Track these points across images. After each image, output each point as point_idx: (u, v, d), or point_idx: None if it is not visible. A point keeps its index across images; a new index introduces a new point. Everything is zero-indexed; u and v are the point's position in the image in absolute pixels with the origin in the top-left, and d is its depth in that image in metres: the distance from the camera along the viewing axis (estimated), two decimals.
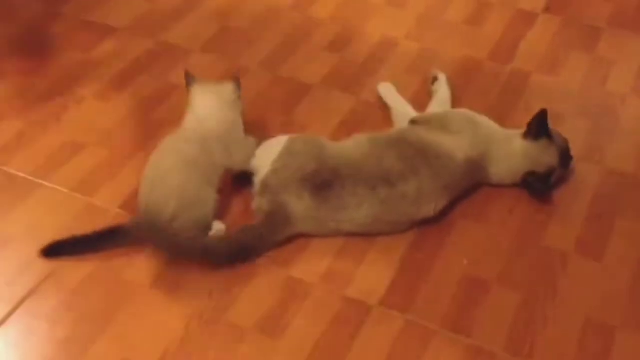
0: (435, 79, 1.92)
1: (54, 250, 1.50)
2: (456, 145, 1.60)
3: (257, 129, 1.73)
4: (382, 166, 1.54)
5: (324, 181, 1.51)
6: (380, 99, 1.90)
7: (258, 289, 1.48)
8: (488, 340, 1.40)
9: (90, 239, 1.50)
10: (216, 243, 1.51)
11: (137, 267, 1.50)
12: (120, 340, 1.40)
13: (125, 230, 1.50)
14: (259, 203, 1.55)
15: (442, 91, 1.86)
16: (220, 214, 1.58)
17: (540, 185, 1.63)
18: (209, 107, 1.63)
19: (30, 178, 1.70)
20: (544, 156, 1.63)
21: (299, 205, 1.51)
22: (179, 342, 1.39)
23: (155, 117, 1.86)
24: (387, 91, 1.89)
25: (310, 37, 2.12)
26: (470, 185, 1.65)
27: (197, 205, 1.51)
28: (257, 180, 1.57)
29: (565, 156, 1.67)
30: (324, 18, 2.19)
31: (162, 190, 1.50)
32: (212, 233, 1.55)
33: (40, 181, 1.69)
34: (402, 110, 1.81)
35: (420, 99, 1.86)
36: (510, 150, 1.64)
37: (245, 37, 2.12)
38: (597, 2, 2.26)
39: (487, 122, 1.71)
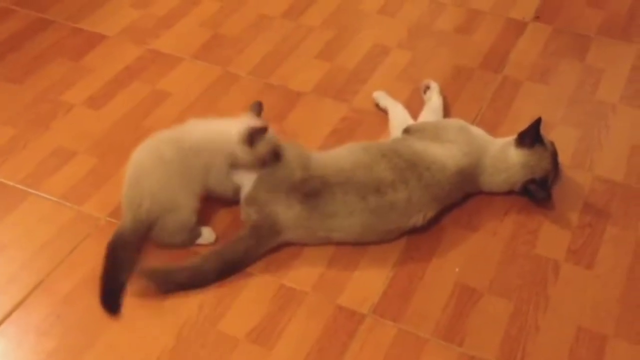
0: (427, 88, 1.92)
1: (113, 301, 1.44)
2: (448, 155, 1.60)
3: None
4: (373, 175, 1.54)
5: (312, 189, 1.51)
6: (373, 106, 1.90)
7: (250, 298, 1.47)
8: (480, 349, 1.40)
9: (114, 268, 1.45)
10: (205, 263, 1.48)
11: None
12: (110, 351, 1.39)
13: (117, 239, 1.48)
14: (246, 213, 1.54)
15: (433, 100, 1.87)
16: (210, 222, 1.58)
17: (542, 192, 1.64)
18: (204, 124, 1.57)
19: (19, 186, 1.69)
20: (541, 162, 1.64)
21: (289, 214, 1.51)
22: (170, 352, 1.38)
23: (146, 125, 1.85)
24: (384, 98, 1.89)
25: (301, 45, 2.12)
26: (461, 195, 1.65)
27: (172, 209, 1.48)
28: (244, 190, 1.56)
29: (555, 158, 1.68)
30: (316, 26, 2.19)
31: (137, 190, 1.48)
32: (200, 240, 1.54)
33: (30, 189, 1.68)
34: (400, 116, 1.82)
35: (412, 107, 1.87)
36: (507, 161, 1.64)
37: (236, 44, 2.12)
38: (586, 11, 2.28)
39: (479, 132, 1.71)
